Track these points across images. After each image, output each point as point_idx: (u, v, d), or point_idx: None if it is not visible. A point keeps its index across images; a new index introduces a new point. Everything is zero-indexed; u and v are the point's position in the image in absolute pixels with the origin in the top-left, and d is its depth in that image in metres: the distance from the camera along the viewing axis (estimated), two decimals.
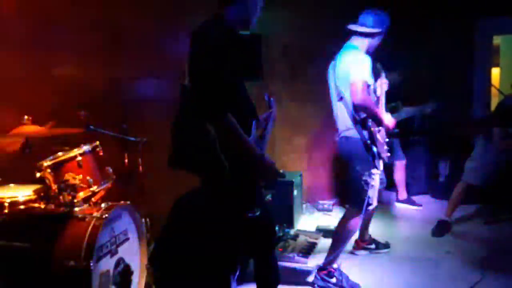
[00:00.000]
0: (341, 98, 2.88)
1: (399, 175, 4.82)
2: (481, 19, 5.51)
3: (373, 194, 2.87)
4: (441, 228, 3.96)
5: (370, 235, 3.57)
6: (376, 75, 3.02)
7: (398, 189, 4.89)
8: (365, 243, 3.53)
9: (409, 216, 4.61)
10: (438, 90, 5.42)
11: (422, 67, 5.42)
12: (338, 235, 3.00)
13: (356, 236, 3.40)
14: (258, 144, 2.11)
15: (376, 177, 2.86)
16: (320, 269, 2.99)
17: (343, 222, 2.98)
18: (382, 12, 2.98)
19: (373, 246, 3.55)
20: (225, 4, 2.06)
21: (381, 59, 3.10)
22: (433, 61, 5.53)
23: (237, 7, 2.06)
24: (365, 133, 2.83)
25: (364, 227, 3.45)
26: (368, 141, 2.80)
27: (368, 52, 2.93)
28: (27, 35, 3.02)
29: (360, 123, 2.82)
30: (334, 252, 2.97)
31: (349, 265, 3.17)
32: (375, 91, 3.00)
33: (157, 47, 3.72)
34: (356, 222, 2.92)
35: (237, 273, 2.68)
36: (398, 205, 4.91)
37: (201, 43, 1.98)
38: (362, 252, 3.52)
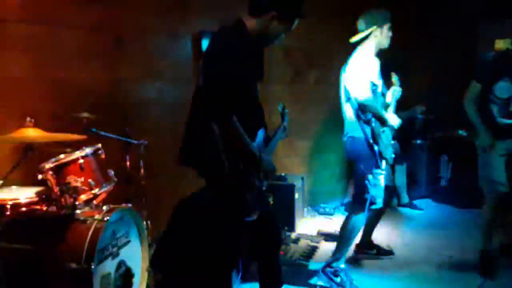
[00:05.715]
0: (348, 99, 2.95)
1: (400, 179, 4.82)
2: (483, 22, 5.51)
3: (376, 193, 2.92)
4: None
5: (372, 241, 3.57)
6: (384, 78, 3.05)
7: (400, 193, 4.88)
8: (366, 247, 3.52)
9: (411, 220, 4.60)
10: (441, 93, 5.42)
11: (424, 71, 5.42)
12: (342, 233, 3.10)
13: (357, 240, 3.41)
14: (261, 151, 2.13)
15: (380, 177, 2.90)
16: (327, 266, 3.03)
17: (347, 219, 3.08)
18: (372, 9, 3.00)
19: (374, 251, 3.54)
20: (251, 14, 2.09)
21: (384, 62, 3.10)
22: (435, 64, 5.53)
23: (260, 22, 2.08)
24: (368, 131, 2.88)
25: (368, 232, 3.46)
26: (370, 140, 2.86)
27: (380, 51, 2.99)
28: (29, 36, 3.03)
29: (364, 122, 2.88)
30: (340, 250, 3.07)
31: (350, 269, 3.16)
32: (383, 94, 3.04)
33: (159, 49, 3.73)
34: (360, 220, 3.00)
35: (240, 273, 2.68)
36: (400, 209, 4.91)
37: (219, 44, 2.02)
38: (364, 256, 3.51)
